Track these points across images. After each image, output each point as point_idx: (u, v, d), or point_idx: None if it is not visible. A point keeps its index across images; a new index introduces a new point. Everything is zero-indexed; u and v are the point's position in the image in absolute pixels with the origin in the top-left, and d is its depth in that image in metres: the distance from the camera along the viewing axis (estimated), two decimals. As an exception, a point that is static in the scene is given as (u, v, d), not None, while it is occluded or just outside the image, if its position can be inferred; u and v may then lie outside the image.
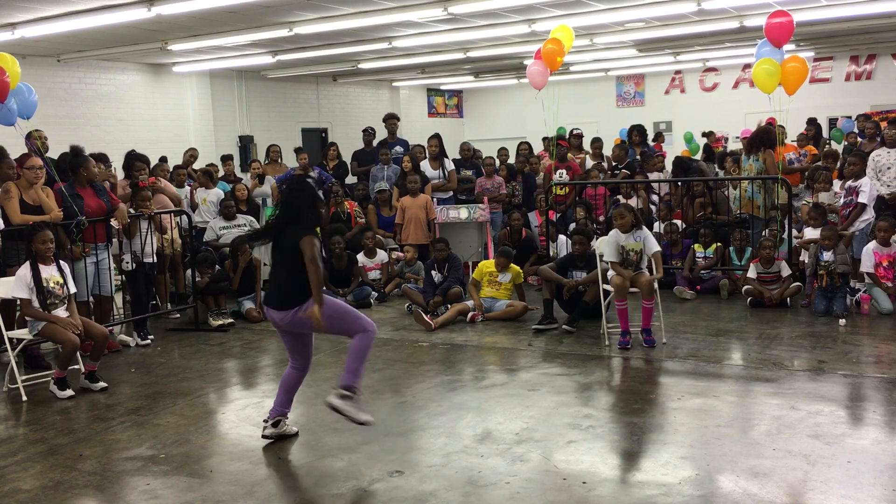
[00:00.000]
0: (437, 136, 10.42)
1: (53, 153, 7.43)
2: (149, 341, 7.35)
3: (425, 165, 10.18)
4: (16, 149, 7.27)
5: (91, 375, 5.85)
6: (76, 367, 5.91)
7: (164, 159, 10.13)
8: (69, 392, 5.68)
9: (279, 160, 11.17)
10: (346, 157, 11.93)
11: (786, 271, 7.80)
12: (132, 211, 7.27)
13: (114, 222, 6.93)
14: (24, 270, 5.79)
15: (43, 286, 5.76)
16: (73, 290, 6.01)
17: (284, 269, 4.45)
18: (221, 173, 10.85)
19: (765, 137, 8.83)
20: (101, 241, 6.89)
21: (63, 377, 5.74)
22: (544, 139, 10.05)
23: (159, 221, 7.94)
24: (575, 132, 12.01)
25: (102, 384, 5.83)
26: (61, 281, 5.90)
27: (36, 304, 5.75)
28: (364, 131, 11.90)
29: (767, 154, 8.79)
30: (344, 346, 6.90)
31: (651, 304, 6.40)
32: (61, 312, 5.85)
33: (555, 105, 9.91)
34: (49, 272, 5.85)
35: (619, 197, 9.94)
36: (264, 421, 4.66)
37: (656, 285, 6.47)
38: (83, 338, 6.06)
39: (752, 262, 7.94)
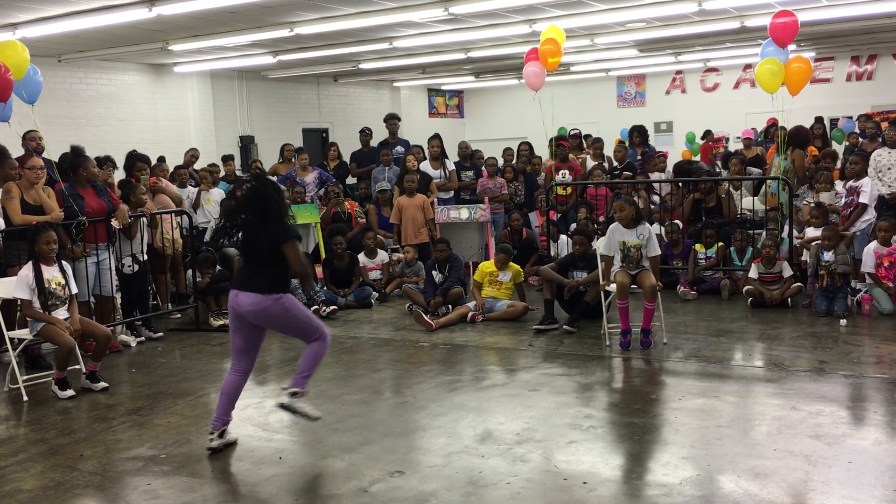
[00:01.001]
0: (437, 137, 10.44)
1: (54, 153, 7.43)
2: (160, 335, 7.54)
3: (426, 166, 10.19)
4: (16, 149, 7.27)
5: (92, 375, 5.85)
6: (77, 367, 5.92)
7: (162, 159, 10.12)
8: (70, 392, 5.69)
9: (293, 159, 11.08)
10: (347, 158, 11.93)
11: (787, 272, 7.78)
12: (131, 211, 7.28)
13: (114, 222, 6.93)
14: (27, 271, 5.79)
15: (45, 287, 5.76)
16: (74, 290, 6.01)
17: (262, 262, 4.36)
18: (222, 173, 10.84)
19: (799, 137, 8.75)
20: (101, 242, 6.89)
21: (63, 378, 5.74)
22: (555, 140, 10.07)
23: (158, 220, 7.94)
24: (573, 132, 12.01)
25: (103, 384, 5.83)
26: (63, 282, 5.90)
27: (36, 304, 5.75)
28: (361, 132, 11.90)
29: (796, 154, 8.75)
30: (343, 347, 6.92)
31: (653, 306, 6.37)
32: (62, 313, 5.84)
33: (553, 105, 9.90)
34: (51, 273, 5.85)
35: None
36: (210, 434, 4.52)
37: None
38: (84, 338, 6.07)
39: (754, 262, 7.93)
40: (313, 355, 4.46)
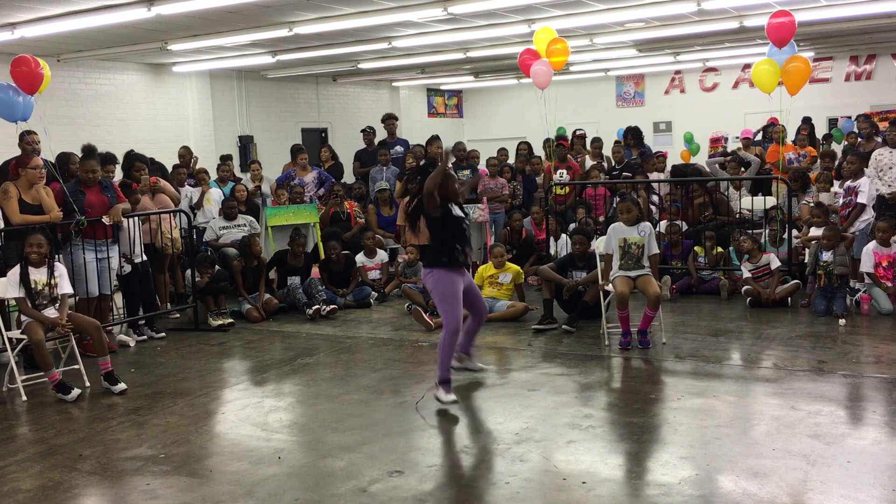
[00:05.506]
0: (437, 139, 10.42)
1: (53, 153, 7.42)
2: (162, 335, 7.55)
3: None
4: (13, 149, 7.26)
5: (109, 376, 5.77)
6: (76, 366, 5.93)
7: (178, 165, 10.07)
8: (77, 391, 5.63)
9: (307, 167, 10.81)
10: (345, 157, 11.89)
11: (774, 264, 7.78)
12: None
13: (105, 219, 6.79)
14: (14, 271, 5.85)
15: (31, 287, 5.77)
16: (66, 290, 6.00)
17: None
18: (214, 176, 10.74)
19: None
20: (108, 238, 6.86)
21: (58, 380, 5.65)
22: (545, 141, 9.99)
23: (159, 220, 7.93)
24: (578, 133, 12.00)
25: (122, 386, 5.75)
26: (47, 282, 5.89)
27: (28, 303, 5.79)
28: (363, 131, 11.85)
29: None
30: (342, 347, 6.92)
31: (654, 314, 6.36)
32: (51, 312, 5.86)
33: (554, 105, 9.91)
34: (38, 274, 5.86)
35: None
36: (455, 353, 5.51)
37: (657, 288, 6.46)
38: (81, 336, 6.08)
39: (742, 263, 7.94)
40: (439, 347, 5.25)
